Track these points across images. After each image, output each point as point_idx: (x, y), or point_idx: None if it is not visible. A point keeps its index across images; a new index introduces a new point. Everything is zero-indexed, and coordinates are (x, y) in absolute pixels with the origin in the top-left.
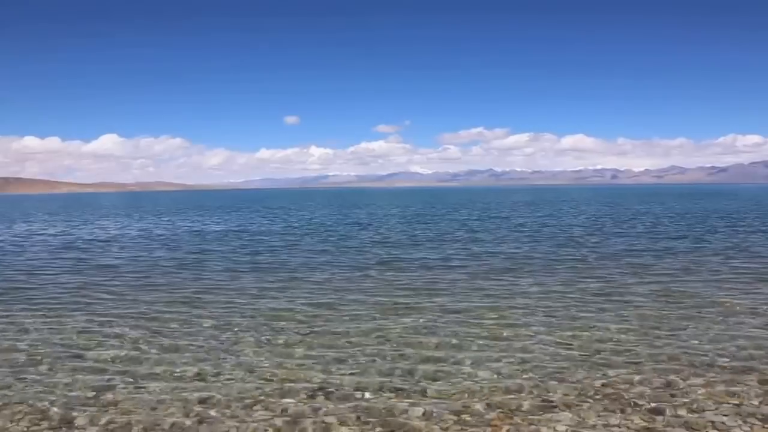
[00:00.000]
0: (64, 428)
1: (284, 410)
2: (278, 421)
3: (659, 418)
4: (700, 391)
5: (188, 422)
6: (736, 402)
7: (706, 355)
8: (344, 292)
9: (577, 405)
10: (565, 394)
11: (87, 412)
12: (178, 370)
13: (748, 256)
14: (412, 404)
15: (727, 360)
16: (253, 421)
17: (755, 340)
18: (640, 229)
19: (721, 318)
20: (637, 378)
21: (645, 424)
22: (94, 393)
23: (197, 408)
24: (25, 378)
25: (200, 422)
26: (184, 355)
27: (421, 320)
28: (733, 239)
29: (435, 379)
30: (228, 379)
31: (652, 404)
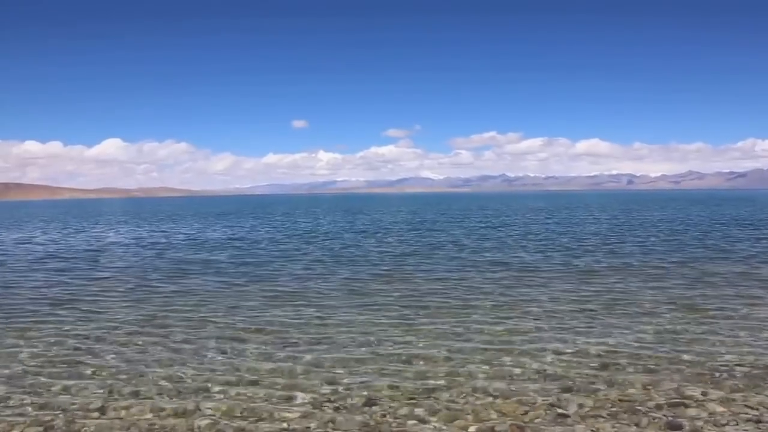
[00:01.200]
0: None
1: (290, 423)
2: None
3: (676, 431)
4: (718, 403)
5: None
6: (756, 414)
7: (725, 366)
8: (349, 304)
9: (591, 417)
10: (580, 406)
11: (91, 425)
12: (180, 382)
13: None
14: (423, 417)
15: (747, 371)
16: None
17: None
18: (657, 236)
19: (740, 328)
20: (653, 389)
21: None
22: (98, 405)
23: (201, 421)
24: (25, 390)
25: None
26: (186, 366)
27: (430, 331)
28: (756, 248)
29: (446, 391)
30: (232, 391)
31: (669, 417)
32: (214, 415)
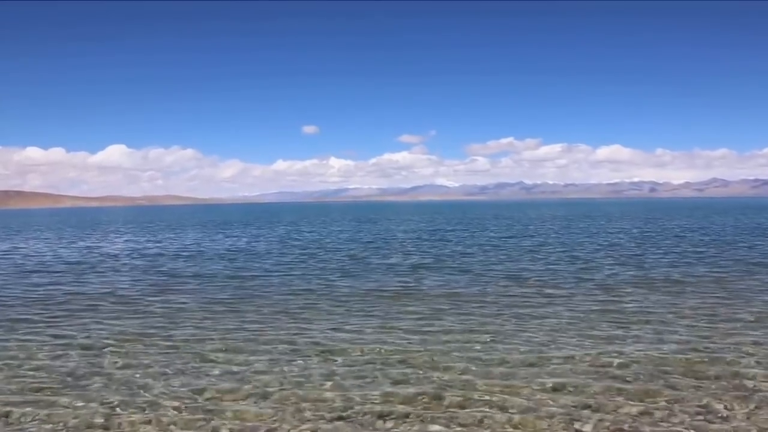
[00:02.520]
0: None
1: None
2: None
3: None
4: (743, 418)
5: None
6: None
7: (750, 380)
8: (361, 317)
9: None
10: (599, 422)
11: None
12: (189, 396)
13: None
14: (438, 431)
15: None
16: None
17: None
18: (680, 246)
19: (766, 342)
20: (676, 405)
21: None
22: (103, 420)
23: None
24: (29, 404)
25: None
26: (195, 380)
27: (445, 346)
28: None
29: (462, 407)
30: (240, 405)
31: None
32: (224, 428)
